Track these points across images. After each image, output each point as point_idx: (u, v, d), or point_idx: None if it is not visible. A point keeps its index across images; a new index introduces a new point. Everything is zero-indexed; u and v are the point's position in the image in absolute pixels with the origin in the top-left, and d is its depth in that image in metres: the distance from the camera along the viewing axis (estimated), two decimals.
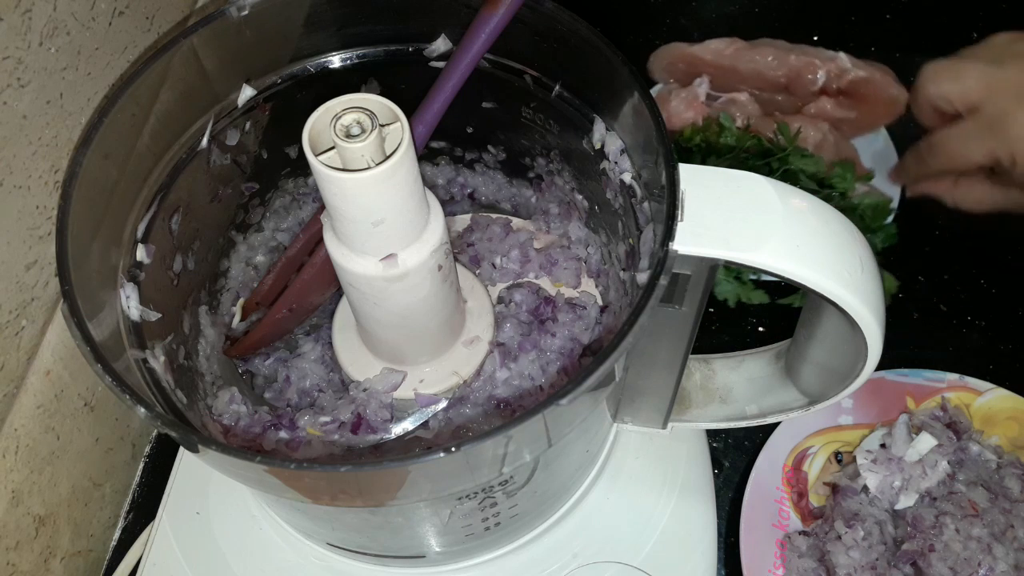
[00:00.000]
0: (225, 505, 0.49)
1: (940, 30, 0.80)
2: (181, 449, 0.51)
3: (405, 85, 0.41)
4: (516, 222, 0.52)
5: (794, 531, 0.52)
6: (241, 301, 0.49)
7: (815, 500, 0.53)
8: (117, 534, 0.57)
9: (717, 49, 0.73)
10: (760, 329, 0.63)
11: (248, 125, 0.44)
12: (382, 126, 0.33)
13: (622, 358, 0.33)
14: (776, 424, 0.55)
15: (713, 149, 0.64)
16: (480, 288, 0.47)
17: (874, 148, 0.69)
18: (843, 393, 0.40)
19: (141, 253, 0.38)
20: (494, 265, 0.50)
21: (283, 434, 0.42)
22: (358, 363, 0.44)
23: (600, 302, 0.48)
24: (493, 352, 0.44)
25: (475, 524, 0.41)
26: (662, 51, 0.75)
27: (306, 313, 0.47)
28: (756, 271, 0.33)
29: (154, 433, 0.60)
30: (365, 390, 0.43)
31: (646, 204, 0.38)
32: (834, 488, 0.53)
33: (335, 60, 0.43)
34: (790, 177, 0.61)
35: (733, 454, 0.58)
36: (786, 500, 0.53)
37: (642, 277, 0.37)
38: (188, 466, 0.51)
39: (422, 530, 0.41)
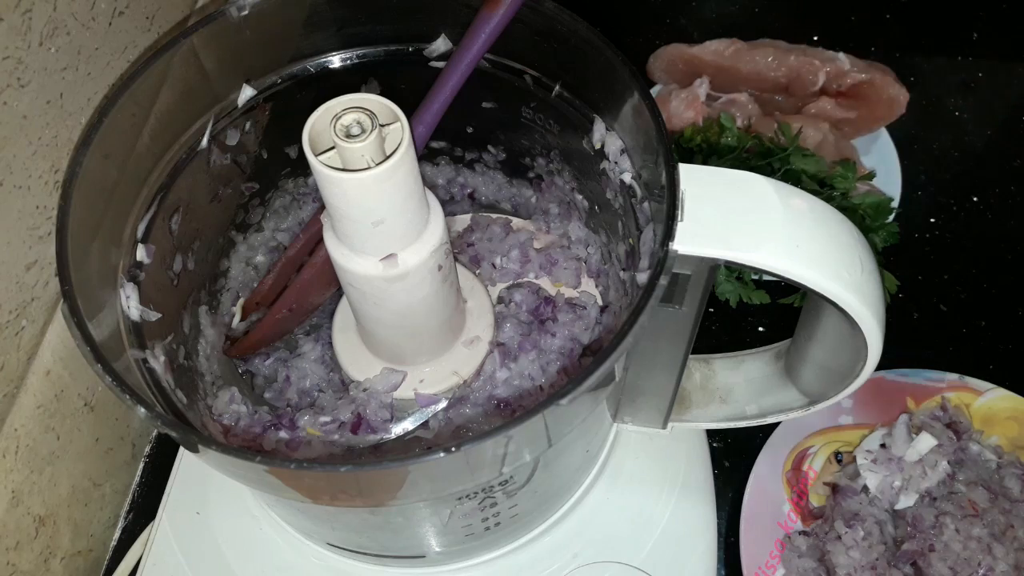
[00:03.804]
0: (225, 505, 0.49)
1: (940, 30, 0.80)
2: (181, 449, 0.51)
3: (405, 85, 0.41)
4: (516, 222, 0.52)
5: (794, 531, 0.52)
6: (241, 301, 0.49)
7: (815, 500, 0.53)
8: (117, 534, 0.57)
9: (717, 50, 0.73)
10: (760, 329, 0.63)
11: (248, 125, 0.44)
12: (382, 126, 0.33)
13: (622, 358, 0.33)
14: (776, 424, 0.55)
15: (714, 149, 0.63)
16: (480, 288, 0.47)
17: (874, 148, 0.69)
18: (843, 393, 0.40)
19: (141, 253, 0.38)
20: (494, 265, 0.50)
21: (283, 434, 0.42)
22: (358, 363, 0.44)
23: (600, 302, 0.48)
24: (493, 352, 0.44)
25: (475, 524, 0.41)
26: (662, 52, 0.75)
27: (306, 313, 0.47)
28: (756, 271, 0.33)
29: (154, 433, 0.60)
30: (365, 390, 0.43)
31: (646, 204, 0.38)
32: (834, 488, 0.53)
33: (335, 60, 0.43)
34: (792, 177, 0.61)
35: (733, 454, 0.58)
36: (786, 500, 0.53)
37: (642, 277, 0.37)
38: (188, 466, 0.51)
39: (422, 530, 0.41)
